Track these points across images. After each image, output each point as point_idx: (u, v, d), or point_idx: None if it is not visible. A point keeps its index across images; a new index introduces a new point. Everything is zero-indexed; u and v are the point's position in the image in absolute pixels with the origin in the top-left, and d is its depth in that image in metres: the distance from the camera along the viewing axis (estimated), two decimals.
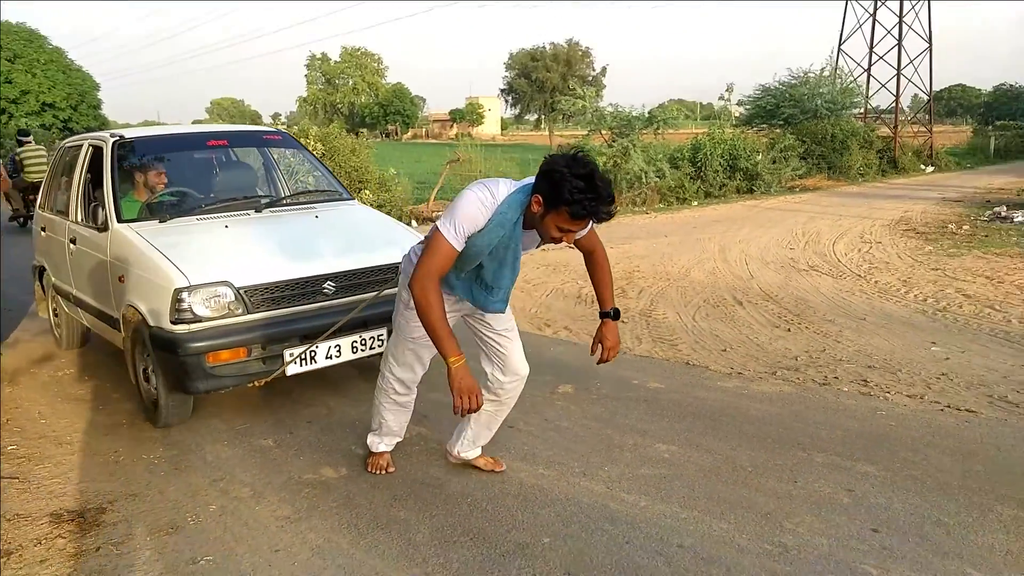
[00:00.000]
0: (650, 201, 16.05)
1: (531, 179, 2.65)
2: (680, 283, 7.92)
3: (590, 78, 54.54)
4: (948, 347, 5.44)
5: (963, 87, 50.86)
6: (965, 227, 12.46)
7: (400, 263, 4.09)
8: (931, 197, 17.09)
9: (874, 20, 25.89)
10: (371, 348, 4.10)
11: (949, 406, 4.19)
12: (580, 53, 56.68)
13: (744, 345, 5.53)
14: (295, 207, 4.90)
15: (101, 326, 4.66)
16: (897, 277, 8.58)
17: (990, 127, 28.98)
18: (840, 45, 26.33)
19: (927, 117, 27.48)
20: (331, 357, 3.97)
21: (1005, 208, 14.02)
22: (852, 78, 24.33)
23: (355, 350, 4.05)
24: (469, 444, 3.39)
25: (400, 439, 3.51)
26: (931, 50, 26.08)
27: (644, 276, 8.34)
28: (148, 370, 4.03)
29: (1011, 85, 31.87)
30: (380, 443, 3.45)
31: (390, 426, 3.38)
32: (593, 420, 4.05)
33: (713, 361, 5.19)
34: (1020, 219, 12.97)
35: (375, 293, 3.91)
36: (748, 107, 24.64)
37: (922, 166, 24.83)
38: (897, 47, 25.58)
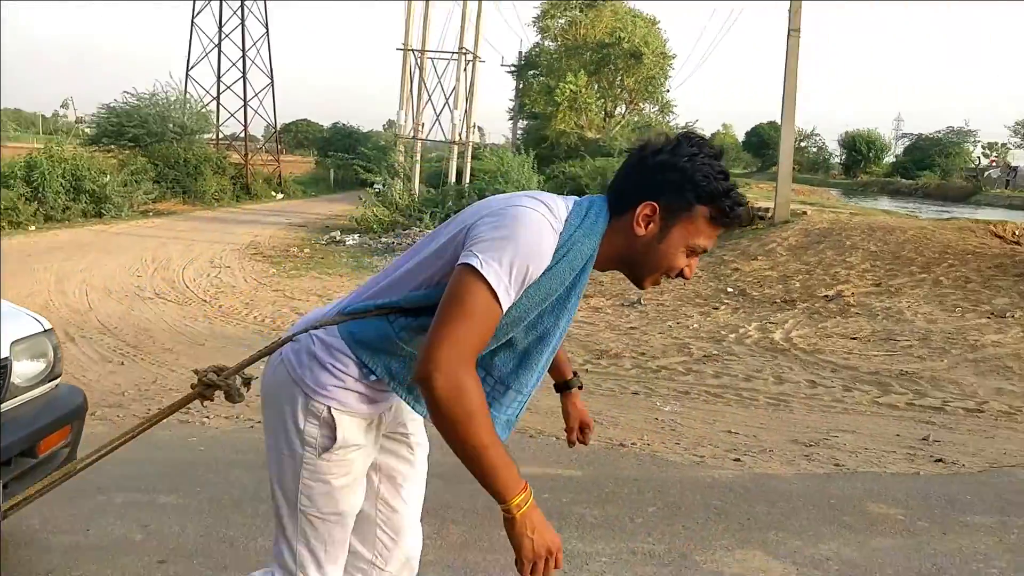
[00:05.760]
0: None
1: (575, 198, 1.56)
2: None
3: None
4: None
5: (308, 122, 55.89)
6: (306, 250, 13.80)
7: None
8: (280, 222, 18.51)
9: (219, 51, 26.92)
10: None
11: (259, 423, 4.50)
12: None
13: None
14: None
15: None
16: (241, 300, 9.03)
17: (328, 159, 32.68)
18: (188, 71, 26.68)
19: (276, 147, 29.71)
20: None
21: (340, 233, 16.01)
22: (202, 104, 24.89)
23: None
24: None
25: None
26: (273, 85, 28.28)
27: None
28: None
29: (344, 124, 36.66)
30: None
31: None
32: None
33: None
34: (351, 242, 14.96)
35: None
36: (91, 126, 23.24)
37: (273, 193, 26.78)
38: (243, 79, 27.05)
